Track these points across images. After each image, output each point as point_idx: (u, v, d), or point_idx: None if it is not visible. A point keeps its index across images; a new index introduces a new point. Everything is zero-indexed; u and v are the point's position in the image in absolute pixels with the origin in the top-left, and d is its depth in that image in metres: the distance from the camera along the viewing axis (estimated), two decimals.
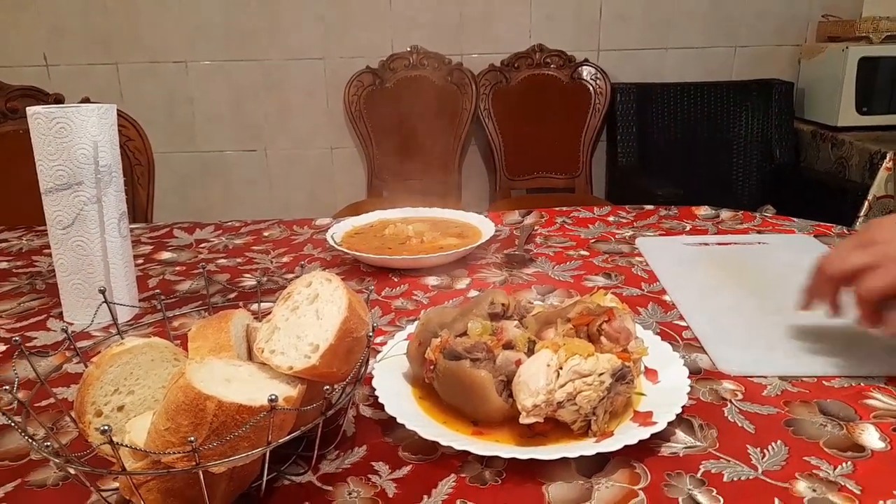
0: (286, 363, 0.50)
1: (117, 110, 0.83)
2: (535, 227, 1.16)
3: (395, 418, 0.56)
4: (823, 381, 0.64)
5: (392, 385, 0.62)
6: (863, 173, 2.27)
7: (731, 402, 0.61)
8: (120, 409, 0.52)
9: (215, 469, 0.45)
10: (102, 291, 0.64)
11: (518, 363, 0.56)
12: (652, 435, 0.53)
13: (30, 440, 0.45)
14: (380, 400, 0.58)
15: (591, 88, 2.68)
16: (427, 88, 2.67)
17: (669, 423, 0.54)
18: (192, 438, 0.42)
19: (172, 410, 0.44)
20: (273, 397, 0.44)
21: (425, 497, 0.50)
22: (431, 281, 0.93)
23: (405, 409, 0.58)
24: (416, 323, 0.65)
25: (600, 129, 2.73)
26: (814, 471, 0.51)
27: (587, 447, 0.51)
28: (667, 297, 0.84)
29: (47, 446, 0.44)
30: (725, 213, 1.21)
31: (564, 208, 1.27)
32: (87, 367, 0.52)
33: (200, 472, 0.44)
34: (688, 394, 0.58)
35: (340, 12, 2.66)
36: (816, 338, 0.71)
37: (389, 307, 0.85)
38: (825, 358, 0.67)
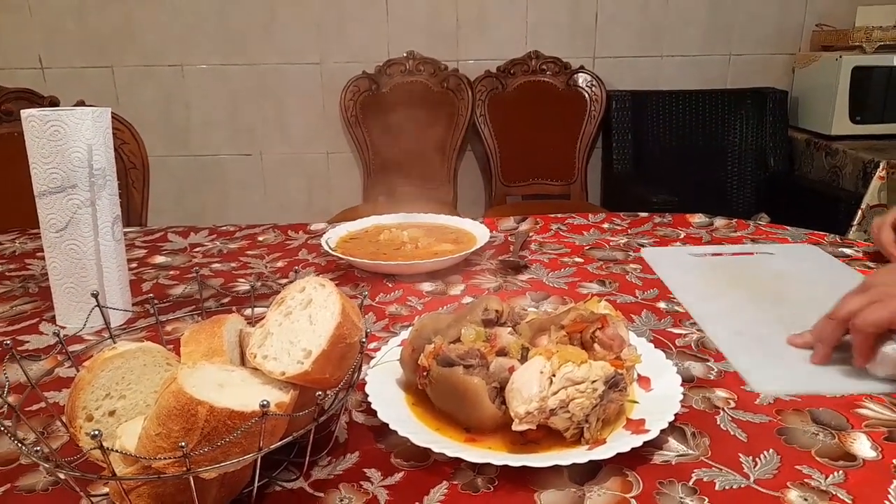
0: (279, 368, 0.50)
1: (112, 113, 0.83)
2: (530, 234, 1.16)
3: (387, 424, 0.56)
4: None
5: (385, 391, 0.62)
6: (856, 182, 2.28)
7: (723, 410, 0.61)
8: (111, 413, 0.52)
9: (206, 475, 0.44)
10: (95, 295, 0.64)
11: (511, 370, 0.56)
12: (644, 443, 0.53)
13: (20, 444, 0.45)
14: (372, 406, 0.58)
15: (586, 95, 2.69)
16: (423, 94, 2.68)
17: (662, 431, 0.54)
18: (183, 444, 0.42)
19: (164, 415, 0.44)
20: (265, 403, 0.44)
21: None
22: (426, 287, 0.93)
23: (398, 415, 0.58)
24: (409, 329, 0.65)
25: (596, 136, 2.74)
26: (805, 480, 0.51)
27: (579, 455, 0.51)
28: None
29: (37, 451, 0.44)
30: (719, 221, 1.22)
31: (559, 215, 1.27)
32: (78, 371, 0.52)
33: (191, 478, 0.44)
34: (680, 402, 0.58)
35: (337, 17, 2.67)
36: (845, 356, 0.67)
37: (383, 313, 0.85)
38: (856, 380, 0.65)
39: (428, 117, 2.65)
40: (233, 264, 1.05)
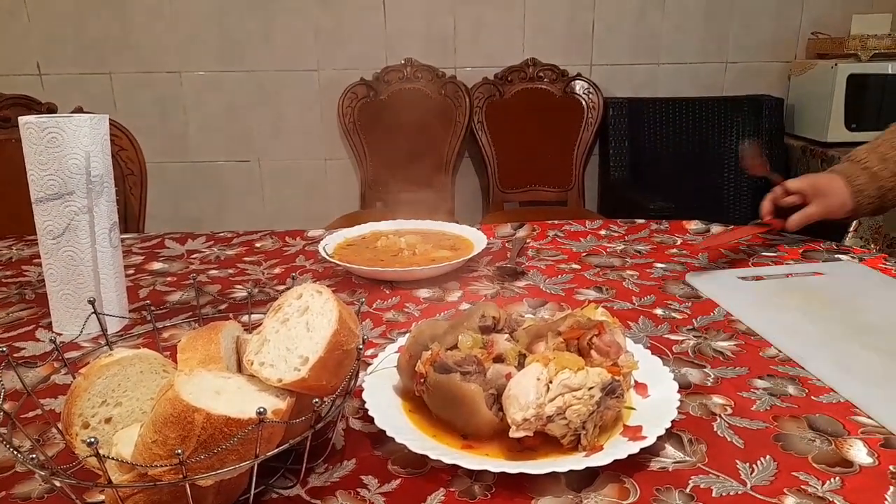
0: (275, 376, 0.50)
1: (110, 120, 0.83)
2: (527, 240, 1.16)
3: (384, 431, 0.56)
4: (812, 397, 0.64)
5: (382, 398, 0.62)
6: None
7: (720, 416, 0.61)
8: (107, 421, 0.52)
9: (202, 482, 0.44)
10: (92, 302, 0.64)
11: (508, 377, 0.56)
12: (641, 449, 0.53)
13: (15, 452, 0.45)
14: (370, 413, 0.58)
15: (583, 102, 2.70)
16: (421, 101, 2.68)
17: (659, 438, 0.54)
18: (180, 451, 0.42)
19: (160, 423, 0.44)
20: (261, 410, 0.44)
21: None
22: (423, 293, 0.93)
23: (395, 422, 0.58)
24: (407, 336, 0.65)
25: (593, 143, 2.75)
26: (802, 486, 0.51)
27: (577, 462, 0.51)
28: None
29: (33, 458, 0.44)
30: (716, 228, 1.22)
31: (556, 221, 1.27)
32: (74, 378, 0.52)
33: (187, 486, 0.44)
34: (677, 408, 0.58)
35: (334, 24, 2.68)
36: None
37: (381, 319, 0.85)
38: None
39: (425, 124, 2.65)
40: (230, 271, 1.05)
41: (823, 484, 0.52)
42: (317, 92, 2.75)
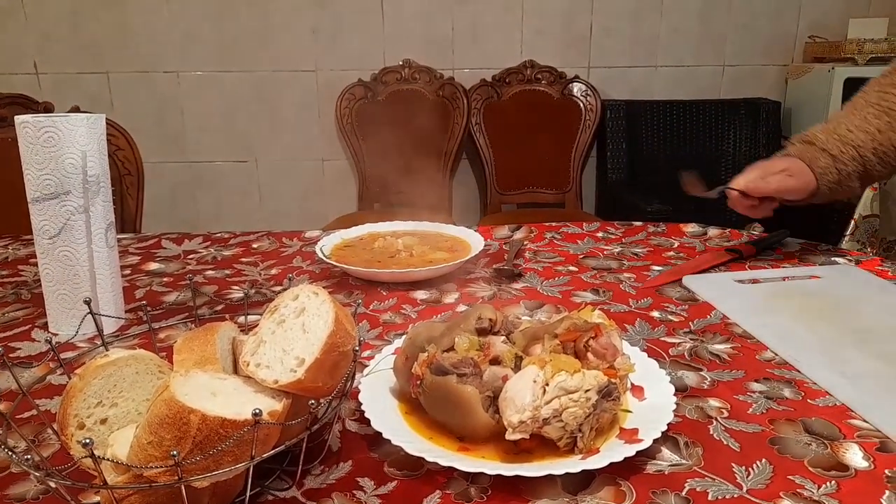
0: (271, 377, 0.50)
1: (107, 119, 0.83)
2: (525, 243, 1.16)
3: (381, 433, 0.56)
4: (808, 400, 0.64)
5: (378, 400, 0.62)
6: None
7: (716, 419, 0.61)
8: (103, 421, 0.51)
9: (198, 484, 0.44)
10: (88, 302, 0.64)
11: (505, 379, 0.56)
12: (637, 452, 0.53)
13: (10, 453, 0.45)
14: (366, 415, 0.58)
15: (581, 105, 2.71)
16: (419, 102, 2.69)
17: (655, 441, 0.54)
18: (175, 452, 0.42)
19: (156, 424, 0.44)
20: (257, 411, 0.44)
21: None
22: (420, 295, 0.93)
23: (391, 424, 0.58)
24: (403, 337, 0.65)
25: (590, 145, 2.75)
26: (798, 490, 0.51)
27: (573, 464, 0.51)
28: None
29: (27, 459, 0.43)
30: (713, 231, 1.22)
31: (553, 224, 1.27)
32: (70, 378, 0.52)
33: (183, 487, 0.43)
34: (674, 411, 0.58)
35: (333, 25, 2.68)
36: None
37: (377, 321, 0.85)
38: None
39: (423, 125, 2.65)
40: (227, 271, 1.04)
41: (819, 487, 0.52)
42: (315, 92, 2.75)
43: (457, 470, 0.52)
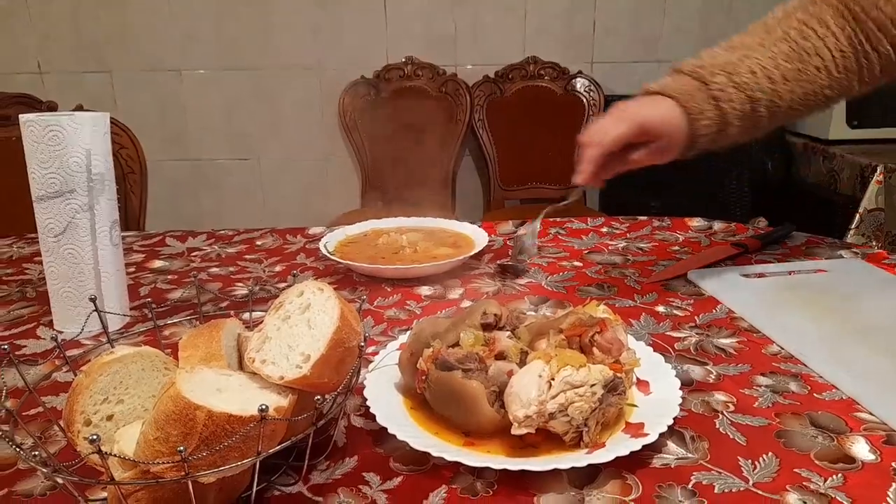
0: (277, 373, 0.50)
1: (110, 118, 0.83)
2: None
3: (386, 428, 0.56)
4: (814, 394, 0.64)
5: (384, 395, 0.62)
6: (854, 186, 2.29)
7: (722, 413, 0.61)
8: (109, 418, 0.52)
9: (204, 479, 0.44)
10: (93, 300, 0.64)
11: (510, 374, 0.56)
12: (643, 446, 0.53)
13: (18, 449, 0.45)
14: (371, 410, 0.58)
15: (584, 100, 2.70)
16: (422, 99, 2.68)
17: (661, 435, 0.54)
18: (182, 448, 0.42)
19: (162, 420, 0.44)
20: (263, 407, 0.44)
21: None
22: (424, 291, 0.93)
23: (397, 419, 0.58)
24: (408, 333, 0.65)
25: None
26: (804, 483, 0.51)
27: (579, 459, 0.51)
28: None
29: (35, 455, 0.44)
30: (718, 225, 1.22)
31: (558, 219, 1.27)
32: (76, 375, 0.52)
33: (189, 483, 0.44)
34: (679, 405, 0.58)
35: (335, 22, 2.67)
36: None
37: (382, 317, 0.85)
38: None
39: (426, 122, 2.65)
40: (231, 268, 1.05)
41: (826, 480, 0.51)
42: (317, 90, 2.74)
43: (463, 464, 0.52)
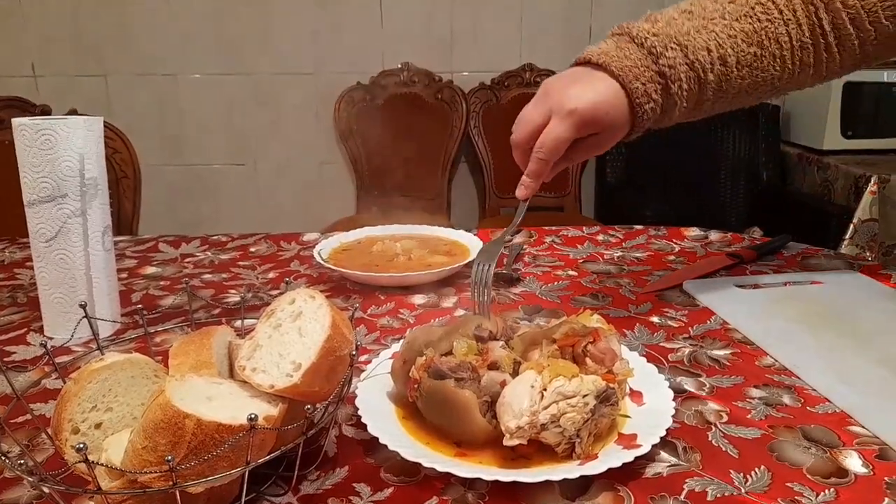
0: (267, 381, 0.50)
1: (105, 122, 0.82)
2: (524, 247, 1.16)
3: (377, 438, 0.55)
4: (808, 407, 0.64)
5: (375, 404, 0.61)
6: (848, 196, 2.30)
7: (715, 425, 0.61)
8: (98, 426, 0.51)
9: (193, 489, 0.44)
10: (83, 306, 0.63)
11: (503, 384, 0.56)
12: (636, 458, 0.53)
13: (3, 457, 0.44)
14: (363, 420, 0.58)
15: None
16: (417, 105, 2.69)
17: (653, 446, 0.54)
18: (170, 457, 0.41)
19: (151, 428, 0.44)
20: (253, 416, 0.43)
21: None
22: (418, 299, 0.93)
23: (388, 429, 0.57)
24: (401, 341, 0.65)
25: None
26: (796, 497, 0.51)
27: (571, 470, 0.51)
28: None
29: (21, 464, 0.43)
30: (714, 235, 1.22)
31: (553, 227, 1.27)
32: (65, 382, 0.52)
33: (177, 492, 0.43)
34: (672, 417, 0.58)
35: (332, 28, 2.68)
36: None
37: (375, 325, 0.85)
38: None
39: (422, 128, 2.65)
40: (224, 275, 1.04)
41: (818, 495, 0.51)
42: (313, 95, 2.75)
43: (454, 476, 0.52)
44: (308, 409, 0.48)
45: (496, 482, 0.51)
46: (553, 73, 2.69)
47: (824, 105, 2.51)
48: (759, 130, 2.69)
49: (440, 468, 0.52)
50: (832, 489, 0.52)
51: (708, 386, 0.68)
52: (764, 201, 2.68)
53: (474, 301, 0.72)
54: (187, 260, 1.12)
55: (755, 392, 0.67)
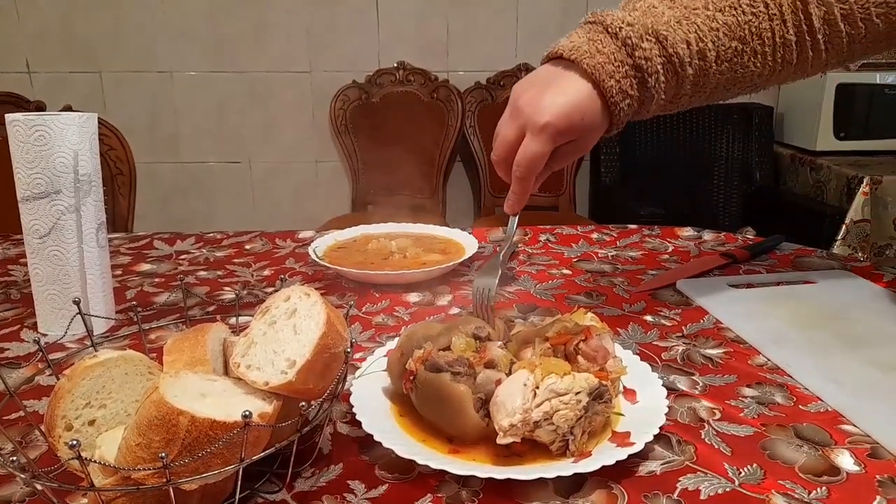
0: (262, 379, 0.50)
1: (99, 119, 0.82)
2: (519, 245, 1.16)
3: (372, 436, 0.55)
4: (800, 405, 0.65)
5: (370, 402, 0.61)
6: (840, 197, 2.31)
7: (708, 422, 0.61)
8: (91, 423, 0.51)
9: (186, 486, 0.44)
10: (77, 302, 0.63)
11: (498, 383, 0.56)
12: (629, 455, 0.53)
13: None
14: (357, 417, 0.58)
15: None
16: (413, 104, 2.69)
17: (647, 444, 0.54)
18: (164, 454, 0.41)
19: (144, 425, 0.44)
20: (247, 413, 0.43)
21: None
22: (413, 297, 0.93)
23: (383, 426, 0.58)
24: (396, 339, 0.65)
25: None
26: (788, 492, 0.51)
27: (564, 467, 0.51)
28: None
29: (13, 461, 0.43)
30: (708, 235, 1.22)
31: (548, 226, 1.27)
32: (59, 379, 0.51)
33: (171, 489, 0.43)
34: (666, 414, 0.58)
35: (327, 26, 2.67)
36: None
37: (370, 323, 0.85)
38: None
39: (417, 127, 2.65)
40: (219, 272, 1.04)
41: (810, 493, 0.52)
42: (309, 94, 2.74)
43: (448, 473, 0.52)
44: (302, 406, 0.48)
45: (490, 479, 0.51)
46: None
47: (817, 106, 2.52)
48: (752, 131, 2.70)
49: (434, 465, 0.52)
50: (824, 487, 0.52)
51: (701, 384, 0.69)
52: (757, 202, 2.69)
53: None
54: (182, 257, 1.11)
55: (748, 391, 0.67)
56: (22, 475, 0.44)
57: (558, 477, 0.51)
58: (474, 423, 0.55)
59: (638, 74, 0.65)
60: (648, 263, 1.07)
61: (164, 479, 0.42)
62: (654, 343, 0.78)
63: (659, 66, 0.64)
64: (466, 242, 1.08)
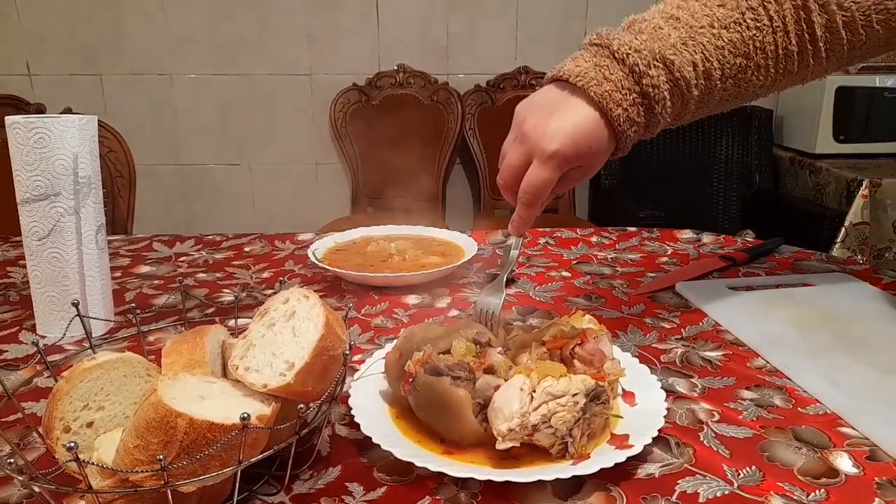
0: (260, 381, 0.50)
1: (99, 121, 0.82)
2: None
3: (370, 438, 0.55)
4: (798, 408, 0.64)
5: (369, 404, 0.61)
6: (840, 200, 2.31)
7: (707, 425, 0.61)
8: (89, 425, 0.51)
9: (184, 488, 0.44)
10: (76, 304, 0.63)
11: (497, 389, 0.56)
12: (628, 458, 0.53)
13: None
14: (356, 419, 0.58)
15: None
16: (413, 107, 2.69)
17: (646, 446, 0.54)
18: (162, 456, 0.41)
19: (142, 427, 0.44)
20: (245, 415, 0.43)
21: None
22: (412, 299, 0.93)
23: (381, 428, 0.57)
24: (395, 341, 0.65)
25: None
26: (787, 494, 0.51)
27: (563, 470, 0.51)
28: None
29: (11, 463, 0.43)
30: (707, 237, 1.22)
31: (548, 229, 1.27)
32: (57, 381, 0.51)
33: (169, 492, 0.43)
34: (664, 417, 0.58)
35: (327, 28, 2.68)
36: None
37: (369, 325, 0.85)
38: None
39: (417, 130, 2.65)
40: (218, 274, 1.04)
41: (808, 495, 0.52)
42: (309, 96, 2.75)
43: (446, 475, 0.52)
44: (301, 408, 0.48)
45: (488, 481, 0.51)
46: None
47: (817, 109, 2.52)
48: (752, 134, 2.70)
49: (433, 468, 0.52)
50: (823, 489, 0.52)
51: (700, 387, 0.69)
52: (757, 204, 2.69)
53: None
54: (181, 259, 1.11)
55: (746, 393, 0.67)
56: (20, 477, 0.44)
57: (557, 479, 0.51)
58: (473, 428, 0.55)
59: (645, 102, 0.65)
60: (647, 266, 1.07)
61: (163, 481, 0.42)
62: (653, 345, 0.78)
63: (666, 93, 0.64)
64: (466, 245, 1.08)
